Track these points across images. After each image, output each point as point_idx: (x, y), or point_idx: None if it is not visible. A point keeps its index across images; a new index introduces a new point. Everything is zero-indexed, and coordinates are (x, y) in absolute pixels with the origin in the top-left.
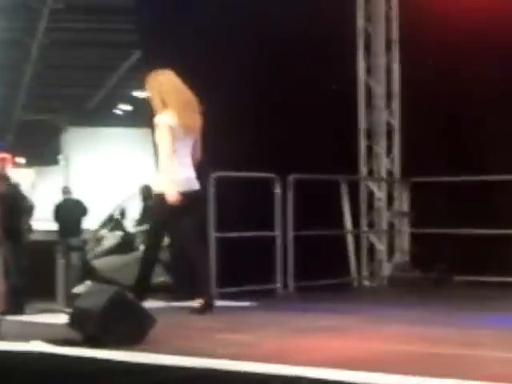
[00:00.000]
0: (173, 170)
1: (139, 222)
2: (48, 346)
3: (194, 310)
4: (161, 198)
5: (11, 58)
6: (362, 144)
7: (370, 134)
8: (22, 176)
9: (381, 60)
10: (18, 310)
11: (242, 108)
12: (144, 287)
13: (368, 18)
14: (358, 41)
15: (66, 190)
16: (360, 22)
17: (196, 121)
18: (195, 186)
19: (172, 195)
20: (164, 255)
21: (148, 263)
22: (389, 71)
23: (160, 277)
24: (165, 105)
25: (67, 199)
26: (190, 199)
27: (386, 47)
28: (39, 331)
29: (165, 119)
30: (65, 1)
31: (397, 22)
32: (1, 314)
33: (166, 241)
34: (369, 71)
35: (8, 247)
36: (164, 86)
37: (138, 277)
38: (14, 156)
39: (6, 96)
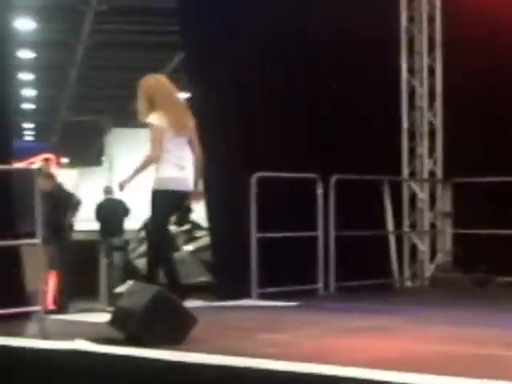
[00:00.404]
0: (161, 170)
1: (179, 222)
2: (91, 345)
3: None
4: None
5: (56, 60)
6: (405, 145)
7: (412, 135)
8: (66, 176)
9: (423, 60)
10: (62, 309)
11: (285, 109)
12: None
13: (411, 19)
14: (401, 41)
15: (108, 190)
16: (403, 22)
17: (187, 121)
18: (184, 186)
19: (160, 195)
20: (205, 255)
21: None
22: (431, 71)
23: (201, 276)
24: (153, 106)
25: (109, 199)
26: (177, 199)
27: (428, 47)
28: (82, 330)
29: (153, 120)
30: (109, 3)
31: (440, 22)
32: (45, 313)
33: (207, 241)
34: (411, 71)
35: (53, 246)
36: (154, 87)
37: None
38: (58, 156)
39: (50, 97)
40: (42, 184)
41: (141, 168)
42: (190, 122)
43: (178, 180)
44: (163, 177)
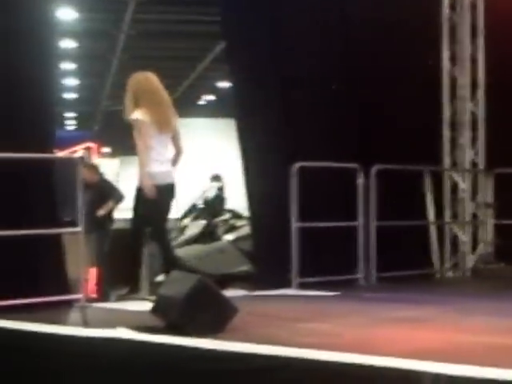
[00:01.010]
0: (148, 165)
1: (214, 214)
2: (132, 333)
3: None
4: (141, 191)
5: (98, 49)
6: (446, 134)
7: (454, 125)
8: (108, 165)
9: (465, 49)
10: (103, 298)
11: (326, 98)
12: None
13: (453, 7)
14: (443, 30)
15: None
16: (445, 10)
17: (170, 119)
18: (170, 179)
19: (148, 189)
20: (246, 244)
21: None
22: (473, 60)
23: (242, 266)
24: (137, 104)
25: None
26: (165, 192)
27: (470, 36)
28: (123, 318)
29: (138, 117)
30: None
31: (482, 10)
32: (86, 302)
33: (247, 230)
34: (453, 60)
35: (94, 235)
36: (140, 85)
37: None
38: (99, 146)
39: (92, 86)
40: (85, 175)
41: (144, 163)
42: (174, 120)
43: (163, 174)
44: (153, 172)
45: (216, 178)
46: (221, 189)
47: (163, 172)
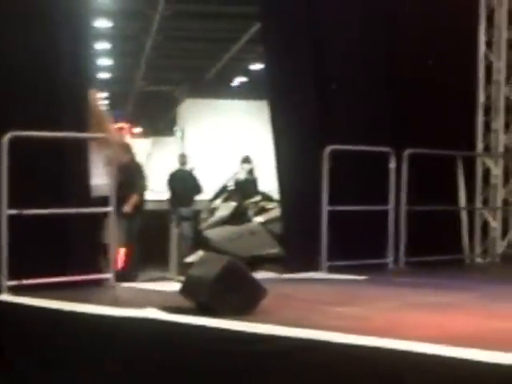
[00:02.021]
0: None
1: (249, 194)
2: (161, 313)
3: None
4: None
5: (133, 29)
6: (480, 119)
7: (488, 110)
8: (139, 146)
9: (503, 34)
10: (132, 278)
11: (359, 82)
12: None
13: None
14: (480, 14)
15: (182, 160)
16: None
17: (109, 135)
18: (103, 192)
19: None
20: (276, 227)
21: None
22: (510, 45)
23: (272, 248)
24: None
25: (181, 170)
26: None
27: (507, 21)
28: (152, 298)
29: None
30: None
31: None
32: (116, 281)
33: (278, 213)
34: (489, 45)
35: (124, 216)
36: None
37: None
38: (131, 126)
39: (126, 66)
40: (119, 154)
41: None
42: (112, 134)
43: (98, 187)
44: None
45: (246, 159)
46: (251, 171)
47: (98, 185)
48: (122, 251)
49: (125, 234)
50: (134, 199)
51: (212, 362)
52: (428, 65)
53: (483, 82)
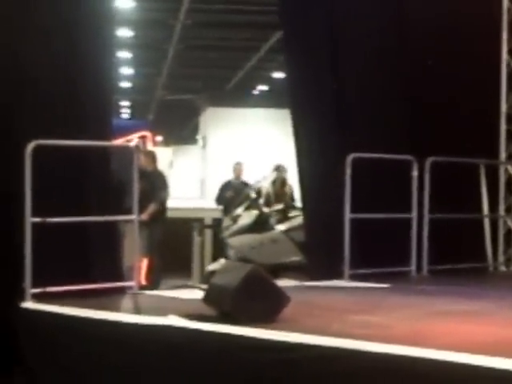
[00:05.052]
0: None
1: (265, 203)
2: (184, 321)
3: None
4: None
5: (154, 39)
6: (503, 127)
7: (511, 118)
8: (161, 154)
9: None
10: (154, 286)
11: (381, 89)
12: None
13: None
14: (503, 22)
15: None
16: (505, 2)
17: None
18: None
19: None
20: (298, 235)
21: None
22: None
23: (294, 256)
24: None
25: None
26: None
27: None
28: (175, 306)
29: None
30: None
31: None
32: (139, 289)
33: (300, 220)
34: None
35: (147, 224)
36: None
37: None
38: (154, 134)
39: (148, 75)
40: (143, 162)
41: None
42: None
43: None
44: None
45: (278, 168)
46: (275, 181)
47: None
48: (144, 263)
49: (145, 244)
50: (151, 208)
51: (236, 371)
52: (451, 72)
53: (505, 91)
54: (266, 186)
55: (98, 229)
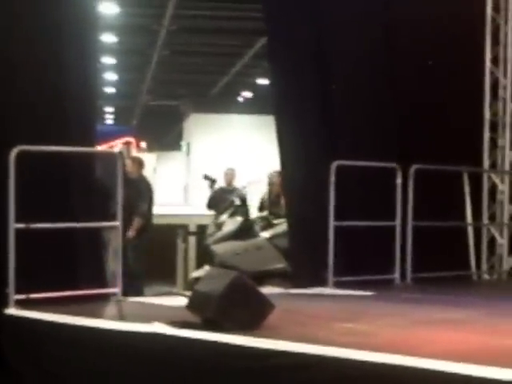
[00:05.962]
0: None
1: (259, 209)
2: (168, 328)
3: None
4: None
5: (139, 44)
6: (486, 135)
7: (494, 126)
8: (146, 160)
9: (508, 50)
10: (136, 293)
11: (366, 96)
12: None
13: (496, 9)
14: (486, 31)
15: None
16: (488, 11)
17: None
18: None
19: None
20: (282, 242)
21: None
22: None
23: (278, 263)
24: None
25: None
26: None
27: None
28: (159, 313)
29: None
30: None
31: None
32: (122, 296)
33: (284, 228)
34: (495, 62)
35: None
36: None
37: None
38: (138, 140)
39: (132, 81)
40: (129, 167)
41: None
42: None
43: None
44: None
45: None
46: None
47: None
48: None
49: (132, 255)
50: (136, 224)
51: (219, 378)
52: (435, 82)
53: (489, 99)
54: (263, 191)
55: (82, 235)
